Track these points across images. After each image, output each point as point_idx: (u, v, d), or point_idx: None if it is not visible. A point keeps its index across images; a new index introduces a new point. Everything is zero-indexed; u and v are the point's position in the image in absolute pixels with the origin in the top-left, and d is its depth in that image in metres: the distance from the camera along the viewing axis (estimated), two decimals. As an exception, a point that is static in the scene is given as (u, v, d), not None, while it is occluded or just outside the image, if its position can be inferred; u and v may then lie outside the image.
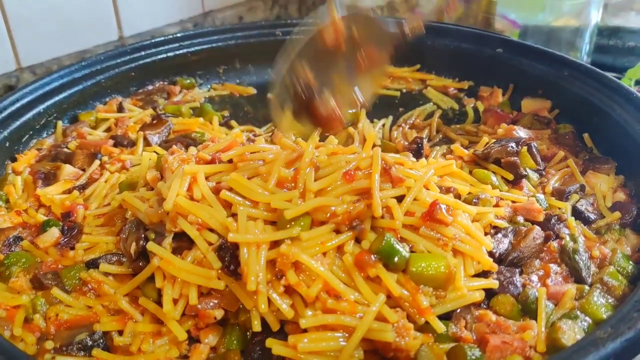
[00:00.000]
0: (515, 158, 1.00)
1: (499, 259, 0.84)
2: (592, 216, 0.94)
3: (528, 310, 0.78)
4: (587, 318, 0.76)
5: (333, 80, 0.86)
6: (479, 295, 0.77)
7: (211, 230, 0.79)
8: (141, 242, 0.82)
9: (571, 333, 0.72)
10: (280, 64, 0.86)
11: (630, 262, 0.85)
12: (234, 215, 0.80)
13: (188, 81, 1.43)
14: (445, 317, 0.76)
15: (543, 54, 1.27)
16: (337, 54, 0.85)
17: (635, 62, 1.52)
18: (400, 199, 0.82)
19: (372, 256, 0.75)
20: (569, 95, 1.19)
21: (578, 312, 0.76)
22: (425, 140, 1.15)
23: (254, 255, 0.74)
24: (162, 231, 0.81)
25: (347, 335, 0.71)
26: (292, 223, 0.77)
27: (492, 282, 0.79)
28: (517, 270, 0.83)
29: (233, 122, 1.31)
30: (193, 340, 0.77)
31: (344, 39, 0.84)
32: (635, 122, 1.03)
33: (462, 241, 0.80)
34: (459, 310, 0.76)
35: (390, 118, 1.30)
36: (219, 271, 0.76)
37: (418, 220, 0.80)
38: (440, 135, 1.24)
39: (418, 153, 1.10)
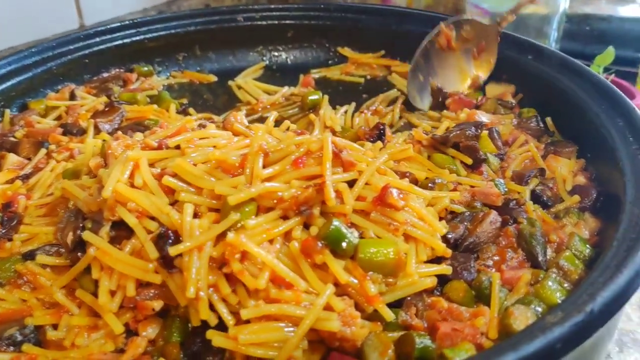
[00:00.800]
0: (474, 142, 0.97)
1: (455, 245, 0.81)
2: (551, 200, 0.92)
3: (482, 296, 0.75)
4: (542, 303, 0.73)
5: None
6: (431, 282, 0.74)
7: (152, 218, 0.76)
8: (78, 232, 0.78)
9: (523, 318, 0.69)
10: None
11: (588, 245, 0.82)
12: (177, 203, 0.76)
13: (146, 69, 1.38)
14: (396, 305, 0.73)
15: (507, 38, 1.25)
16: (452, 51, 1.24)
17: (604, 49, 1.51)
18: (352, 183, 0.79)
19: (318, 242, 0.72)
20: (532, 80, 1.18)
21: (532, 297, 0.74)
22: (387, 127, 1.12)
23: (195, 260, 0.69)
24: (101, 220, 0.77)
25: (291, 325, 0.68)
26: (237, 210, 0.73)
27: (445, 268, 0.76)
28: (472, 256, 0.80)
29: (191, 110, 1.26)
30: (132, 333, 0.73)
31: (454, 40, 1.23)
32: (596, 106, 1.01)
33: (414, 226, 0.77)
34: (409, 298, 0.73)
35: (353, 105, 1.27)
36: (157, 262, 0.72)
37: (369, 205, 0.77)
38: (403, 122, 1.21)
39: (379, 139, 1.08)
